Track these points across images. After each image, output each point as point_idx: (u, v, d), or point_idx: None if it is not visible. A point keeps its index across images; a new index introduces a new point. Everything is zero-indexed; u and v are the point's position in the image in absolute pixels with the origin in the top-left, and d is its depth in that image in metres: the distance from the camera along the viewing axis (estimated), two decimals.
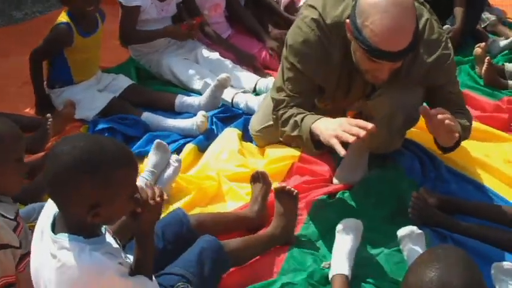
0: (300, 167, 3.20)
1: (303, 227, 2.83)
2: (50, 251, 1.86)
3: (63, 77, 3.61)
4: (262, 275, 2.56)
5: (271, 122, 3.06)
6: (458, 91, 2.99)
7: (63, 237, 1.85)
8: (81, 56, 3.60)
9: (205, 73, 3.97)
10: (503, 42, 4.65)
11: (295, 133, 2.74)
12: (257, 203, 2.83)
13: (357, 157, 3.16)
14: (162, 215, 2.45)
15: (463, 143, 3.05)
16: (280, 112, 2.83)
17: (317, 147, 2.69)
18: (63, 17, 3.54)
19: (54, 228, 1.89)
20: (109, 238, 1.96)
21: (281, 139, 3.02)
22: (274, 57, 4.31)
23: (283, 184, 2.85)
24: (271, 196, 2.87)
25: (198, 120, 3.45)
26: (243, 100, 3.74)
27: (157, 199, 1.99)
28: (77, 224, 1.85)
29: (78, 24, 3.53)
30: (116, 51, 4.25)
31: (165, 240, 2.41)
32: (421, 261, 1.58)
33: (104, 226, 1.96)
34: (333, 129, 2.48)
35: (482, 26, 4.97)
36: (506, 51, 4.61)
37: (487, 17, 5.00)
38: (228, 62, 4.10)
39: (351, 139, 2.40)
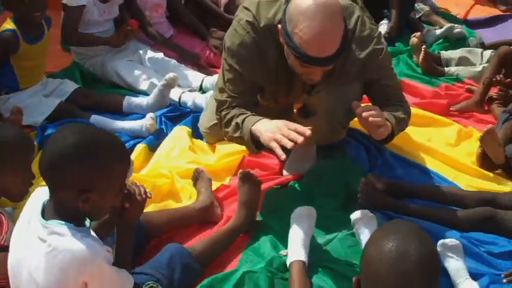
0: (250, 161, 3.27)
1: (259, 216, 2.90)
2: (39, 236, 1.90)
3: (9, 84, 3.58)
4: (223, 264, 2.64)
5: None
6: (395, 84, 3.06)
7: (54, 223, 1.89)
8: (27, 63, 3.58)
9: (151, 73, 3.99)
10: (437, 32, 4.83)
11: (236, 134, 2.79)
12: (205, 194, 2.94)
13: (305, 148, 3.24)
14: None
15: (407, 130, 3.18)
16: (223, 113, 2.88)
17: (258, 147, 2.74)
18: (8, 24, 3.49)
19: (44, 216, 1.93)
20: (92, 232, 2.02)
21: (225, 139, 3.08)
22: (217, 55, 4.36)
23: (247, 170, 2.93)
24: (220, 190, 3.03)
25: (146, 123, 3.48)
26: (190, 98, 3.78)
27: (143, 195, 2.14)
28: (67, 212, 1.91)
29: (24, 30, 3.50)
30: (59, 55, 4.24)
31: None
32: (378, 235, 1.65)
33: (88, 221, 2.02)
34: (272, 131, 2.54)
35: (417, 17, 5.13)
36: (441, 40, 4.80)
37: (421, 7, 5.18)
38: (173, 62, 4.13)
39: (289, 145, 2.46)
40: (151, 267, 2.38)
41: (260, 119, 2.69)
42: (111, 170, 1.93)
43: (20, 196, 2.35)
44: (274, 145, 2.49)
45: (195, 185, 3.07)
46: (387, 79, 2.98)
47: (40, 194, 2.04)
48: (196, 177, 3.07)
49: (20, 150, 2.29)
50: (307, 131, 2.46)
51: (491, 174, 3.31)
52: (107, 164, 1.91)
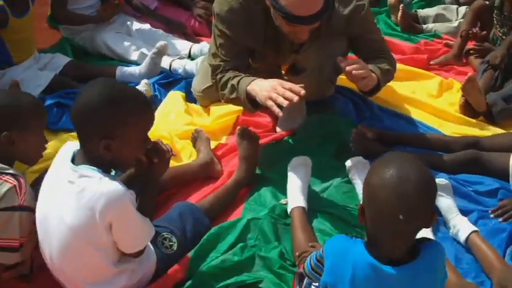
0: (244, 120, 3.40)
1: (258, 170, 3.04)
2: (69, 180, 2.04)
3: (2, 58, 3.65)
4: (228, 215, 2.79)
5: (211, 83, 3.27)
6: (379, 38, 3.21)
7: (83, 167, 2.04)
8: (17, 36, 3.65)
9: (140, 44, 4.10)
10: None
11: (233, 95, 2.92)
12: (202, 156, 3.08)
13: (296, 104, 3.37)
14: None
15: (391, 84, 3.37)
16: (218, 76, 3.00)
17: (254, 106, 2.88)
18: None
19: (74, 163, 2.08)
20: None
21: (222, 101, 3.20)
22: (202, 23, 4.48)
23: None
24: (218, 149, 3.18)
25: (142, 89, 3.58)
26: (181, 65, 3.90)
27: (170, 154, 2.30)
28: (95, 159, 2.06)
29: (11, 6, 3.58)
30: (47, 32, 4.33)
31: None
32: (378, 165, 1.80)
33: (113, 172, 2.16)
34: (267, 90, 2.68)
35: None
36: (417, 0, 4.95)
37: None
38: (160, 32, 4.23)
39: (284, 103, 2.60)
40: (165, 221, 2.53)
41: (254, 79, 2.82)
42: (132, 120, 2.06)
43: (35, 159, 2.48)
44: (270, 103, 2.64)
45: (194, 145, 3.21)
46: (371, 33, 3.12)
47: (69, 146, 2.18)
48: (195, 137, 3.21)
49: (35, 115, 2.40)
50: (302, 90, 2.61)
51: (473, 121, 3.51)
52: (128, 114, 2.04)
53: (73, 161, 2.11)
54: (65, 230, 2.07)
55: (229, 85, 2.94)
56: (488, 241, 2.62)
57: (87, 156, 2.08)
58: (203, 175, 3.01)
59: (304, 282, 2.20)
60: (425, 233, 2.50)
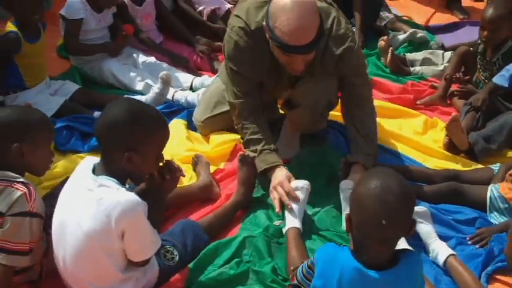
0: (242, 148, 3.58)
1: (255, 193, 3.28)
2: (88, 188, 2.26)
3: (15, 82, 3.88)
4: (225, 233, 3.02)
5: (213, 113, 3.62)
6: (364, 83, 3.44)
7: (103, 177, 2.27)
8: (29, 61, 3.89)
9: (145, 75, 4.33)
10: (401, 36, 5.29)
11: (249, 149, 3.27)
12: (204, 175, 3.33)
13: (291, 136, 3.65)
14: None
15: (379, 120, 3.72)
16: (240, 124, 3.32)
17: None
18: (10, 27, 3.81)
19: (94, 173, 2.30)
20: None
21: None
22: (204, 58, 4.75)
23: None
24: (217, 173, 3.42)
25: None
26: (183, 96, 4.14)
27: (181, 173, 2.56)
28: (114, 171, 2.29)
29: (23, 32, 3.81)
30: (57, 62, 4.56)
31: None
32: (365, 177, 2.07)
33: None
34: (272, 185, 3.09)
35: (383, 24, 5.57)
36: (406, 44, 5.26)
37: (386, 16, 5.61)
38: (164, 65, 4.47)
39: (277, 208, 3.02)
40: (168, 235, 2.76)
41: (273, 164, 3.17)
42: (154, 136, 2.32)
43: (43, 171, 2.68)
44: (274, 196, 3.06)
45: (194, 168, 3.44)
46: (356, 76, 3.35)
47: (90, 159, 2.42)
48: (196, 161, 3.45)
49: (43, 130, 2.60)
50: (298, 197, 3.00)
51: (456, 157, 3.75)
52: (151, 130, 2.30)
53: (93, 172, 2.33)
54: (81, 235, 2.28)
55: (254, 151, 3.26)
56: (465, 264, 2.83)
57: (107, 168, 2.31)
58: (203, 196, 3.24)
59: None
60: (404, 245, 2.73)
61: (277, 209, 3.03)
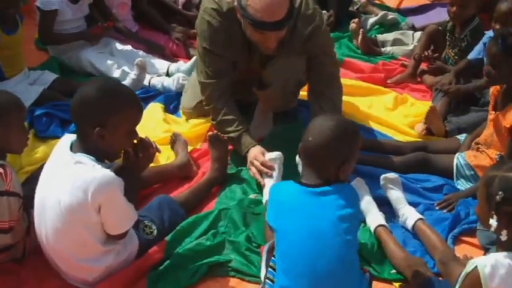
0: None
1: (230, 169, 3.40)
2: (65, 165, 2.38)
3: None
4: (202, 208, 3.14)
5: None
6: (333, 62, 3.57)
7: (80, 155, 2.38)
8: (8, 52, 3.98)
9: (122, 63, 4.41)
10: (373, 19, 5.44)
11: (224, 132, 3.36)
12: (182, 154, 3.43)
13: (264, 115, 3.77)
14: None
15: (351, 99, 3.91)
16: (212, 105, 3.41)
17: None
18: None
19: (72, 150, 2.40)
20: None
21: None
22: (180, 45, 4.86)
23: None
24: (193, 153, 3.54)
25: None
26: (159, 82, 4.24)
27: (154, 150, 2.63)
28: (90, 148, 2.39)
29: (1, 24, 3.90)
30: (35, 53, 4.66)
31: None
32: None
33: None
34: (249, 161, 3.24)
35: (355, 8, 5.71)
36: (377, 26, 5.40)
37: (358, 0, 5.74)
38: (140, 53, 4.57)
39: (260, 180, 3.17)
40: (145, 211, 2.87)
41: (252, 144, 3.31)
42: (123, 112, 2.40)
43: (21, 148, 2.77)
44: (253, 172, 3.21)
45: (172, 147, 3.55)
46: (325, 55, 3.47)
47: (68, 137, 2.53)
48: (174, 140, 3.56)
49: (16, 110, 2.68)
50: (273, 165, 3.17)
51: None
52: (120, 106, 2.38)
53: (71, 149, 2.43)
54: (60, 210, 2.39)
55: (228, 132, 3.37)
56: (433, 227, 2.96)
57: (83, 145, 2.41)
58: (181, 175, 3.35)
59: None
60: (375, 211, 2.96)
61: (260, 181, 3.16)
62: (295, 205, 2.35)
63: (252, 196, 3.18)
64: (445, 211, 3.16)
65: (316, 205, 2.32)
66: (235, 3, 3.16)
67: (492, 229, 2.09)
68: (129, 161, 2.60)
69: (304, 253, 2.28)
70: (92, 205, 2.35)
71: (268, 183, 3.10)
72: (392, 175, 3.19)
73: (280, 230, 2.36)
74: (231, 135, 3.35)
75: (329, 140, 2.33)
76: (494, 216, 2.07)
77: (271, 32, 3.10)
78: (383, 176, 3.18)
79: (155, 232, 2.80)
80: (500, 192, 2.03)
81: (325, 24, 3.45)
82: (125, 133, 2.46)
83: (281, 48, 3.28)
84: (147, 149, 2.61)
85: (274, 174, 3.14)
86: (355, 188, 3.01)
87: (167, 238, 2.83)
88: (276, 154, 3.21)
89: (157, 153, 3.38)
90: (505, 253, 2.07)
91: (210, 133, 3.42)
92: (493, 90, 3.29)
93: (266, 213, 2.59)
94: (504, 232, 2.06)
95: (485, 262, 2.06)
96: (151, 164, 2.76)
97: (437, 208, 3.19)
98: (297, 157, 3.23)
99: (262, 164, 3.16)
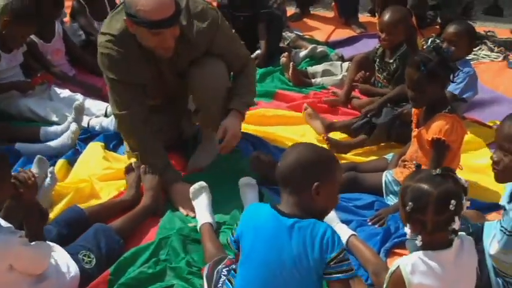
0: None
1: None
2: None
3: None
4: (143, 239, 3.23)
5: None
6: (244, 53, 3.77)
7: None
8: None
9: (61, 107, 4.49)
10: (303, 53, 5.67)
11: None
12: (132, 188, 3.50)
13: (208, 141, 3.89)
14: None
15: (285, 129, 4.13)
16: (133, 138, 3.55)
17: None
18: None
19: None
20: (2, 222, 2.54)
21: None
22: None
23: None
24: None
25: (71, 129, 4.06)
26: (98, 123, 4.34)
27: (32, 179, 2.65)
28: None
29: None
30: None
31: (67, 228, 3.03)
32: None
33: None
34: (179, 204, 3.42)
35: (286, 43, 5.94)
36: (307, 59, 5.64)
37: (288, 35, 5.99)
38: (78, 96, 4.65)
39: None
40: (82, 241, 2.96)
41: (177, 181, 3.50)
42: None
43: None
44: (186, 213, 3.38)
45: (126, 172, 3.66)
46: (236, 47, 3.68)
47: None
48: (129, 170, 3.65)
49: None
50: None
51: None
52: None
53: None
54: None
55: (152, 161, 3.51)
56: (365, 242, 3.11)
57: None
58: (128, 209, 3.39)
59: (214, 279, 2.64)
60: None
61: (191, 215, 3.33)
62: (263, 229, 2.33)
63: (190, 225, 3.29)
64: (377, 226, 3.31)
65: (281, 236, 2.29)
66: (123, 18, 3.32)
67: (408, 236, 2.28)
68: (16, 200, 2.67)
69: (258, 279, 2.32)
70: (3, 268, 2.46)
71: (198, 213, 3.26)
72: None
73: (244, 249, 2.38)
74: (156, 166, 3.49)
75: (297, 160, 2.32)
76: (408, 224, 2.25)
77: (167, 30, 3.25)
78: None
79: (94, 261, 2.89)
80: (410, 203, 2.20)
81: (221, 17, 3.59)
82: (5, 185, 2.52)
83: (190, 50, 3.44)
84: (25, 181, 2.63)
85: (204, 201, 3.29)
86: None
87: (110, 269, 2.90)
88: (199, 185, 3.36)
89: (98, 189, 3.55)
90: (423, 252, 2.24)
91: (142, 166, 3.53)
92: (414, 109, 3.49)
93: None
94: (419, 238, 2.23)
95: (406, 261, 2.23)
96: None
97: (369, 224, 3.34)
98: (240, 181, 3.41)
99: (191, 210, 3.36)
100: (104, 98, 4.73)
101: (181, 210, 3.39)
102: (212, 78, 3.55)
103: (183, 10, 3.37)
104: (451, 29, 4.39)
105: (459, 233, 2.27)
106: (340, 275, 2.25)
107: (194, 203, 3.34)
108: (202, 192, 3.35)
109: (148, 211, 3.36)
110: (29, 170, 2.73)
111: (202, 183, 3.38)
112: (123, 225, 3.19)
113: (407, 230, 2.26)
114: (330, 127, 4.26)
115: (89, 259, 2.86)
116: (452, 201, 2.16)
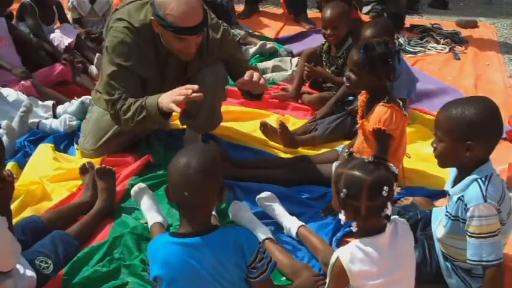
0: (108, 160, 3.83)
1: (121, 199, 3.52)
2: None
3: None
4: (97, 238, 3.21)
5: (105, 138, 3.81)
6: (245, 58, 4.00)
7: None
8: None
9: (9, 110, 4.39)
10: (253, 49, 5.70)
11: (141, 115, 3.38)
12: (89, 189, 3.48)
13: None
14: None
15: (236, 125, 4.15)
16: (118, 106, 3.46)
17: (165, 117, 3.43)
18: None
19: None
20: None
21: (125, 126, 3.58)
22: (67, 68, 5.07)
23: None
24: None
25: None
26: (47, 124, 4.29)
27: (10, 177, 2.70)
28: None
29: None
30: None
31: (24, 235, 2.99)
32: (177, 154, 2.35)
33: None
34: (171, 95, 3.22)
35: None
36: (257, 55, 5.68)
37: (238, 32, 6.00)
38: (25, 97, 4.55)
39: (182, 98, 3.15)
40: (39, 247, 2.95)
41: (160, 94, 3.32)
42: None
43: None
44: (172, 105, 3.18)
45: (82, 173, 3.62)
46: (239, 53, 3.85)
47: None
48: (84, 170, 3.61)
49: None
50: (195, 86, 3.18)
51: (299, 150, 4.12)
52: None
53: None
54: None
55: (133, 107, 3.40)
56: (318, 233, 3.16)
57: None
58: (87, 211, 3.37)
59: None
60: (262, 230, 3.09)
61: (177, 110, 3.26)
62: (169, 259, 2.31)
63: (142, 221, 3.29)
64: (330, 217, 3.34)
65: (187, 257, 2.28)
66: (148, 19, 3.38)
67: (342, 222, 2.34)
68: None
69: None
70: None
71: (148, 214, 3.25)
72: (266, 193, 3.37)
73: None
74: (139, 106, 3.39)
75: (199, 187, 2.26)
76: (342, 211, 2.31)
77: (192, 37, 3.32)
78: (257, 198, 3.37)
79: (51, 267, 2.87)
80: (344, 190, 2.26)
81: (228, 28, 3.75)
82: None
83: (203, 57, 3.53)
84: (4, 179, 2.68)
85: (148, 202, 3.31)
86: (237, 209, 3.25)
87: (64, 270, 2.89)
88: (137, 187, 3.37)
89: (50, 190, 3.53)
90: (359, 239, 2.32)
91: (97, 167, 3.52)
92: (360, 100, 3.55)
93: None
94: (354, 224, 2.30)
95: (344, 251, 2.32)
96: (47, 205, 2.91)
97: (322, 215, 3.38)
98: None
99: (186, 87, 3.21)
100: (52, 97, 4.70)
101: (177, 97, 3.19)
102: (213, 79, 3.62)
103: None
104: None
105: (392, 217, 2.34)
106: None
107: (140, 206, 3.34)
108: (143, 193, 3.35)
109: (103, 213, 3.34)
110: (7, 169, 2.77)
111: (140, 184, 3.39)
112: (80, 230, 3.18)
113: (341, 216, 2.32)
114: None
115: (46, 265, 2.85)
116: (385, 188, 2.22)
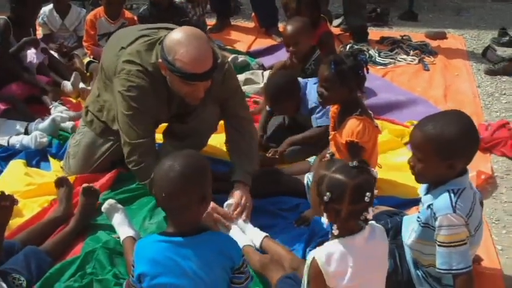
0: (82, 177, 3.83)
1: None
2: None
3: None
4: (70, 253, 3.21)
5: (95, 165, 3.84)
6: (245, 105, 3.82)
7: None
8: None
9: None
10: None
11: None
12: (63, 203, 3.47)
13: None
14: None
15: (210, 140, 4.03)
16: (132, 158, 3.45)
17: None
18: None
19: None
20: None
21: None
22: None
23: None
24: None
25: None
26: (18, 141, 4.28)
27: (8, 202, 2.75)
28: None
29: None
30: None
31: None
32: (164, 159, 2.38)
33: None
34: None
35: None
36: None
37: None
38: None
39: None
40: (11, 263, 2.92)
41: None
42: None
43: None
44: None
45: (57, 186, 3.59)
46: (236, 98, 3.71)
47: None
48: (60, 184, 3.58)
49: None
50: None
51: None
52: None
53: None
54: None
55: (142, 176, 3.46)
56: (291, 245, 3.18)
57: None
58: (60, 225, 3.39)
59: None
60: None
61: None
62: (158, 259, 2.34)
63: (115, 236, 3.28)
64: (302, 227, 3.36)
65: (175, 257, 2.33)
66: (159, 60, 3.27)
67: (325, 225, 2.36)
68: None
69: None
70: None
71: (119, 229, 3.25)
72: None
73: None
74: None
75: (177, 189, 2.29)
76: (324, 214, 2.32)
77: (201, 83, 3.24)
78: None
79: (24, 283, 2.84)
80: (327, 193, 2.28)
81: (230, 67, 3.67)
82: None
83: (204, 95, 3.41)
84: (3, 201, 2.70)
85: (120, 217, 3.28)
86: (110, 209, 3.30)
87: (36, 286, 2.88)
88: (107, 204, 3.33)
89: (21, 206, 3.51)
90: (335, 240, 2.34)
91: (85, 185, 3.51)
92: (331, 112, 3.59)
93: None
94: (335, 226, 2.32)
95: (320, 251, 2.33)
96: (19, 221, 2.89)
97: (295, 226, 3.40)
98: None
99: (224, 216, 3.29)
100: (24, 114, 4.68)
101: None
102: (208, 115, 3.63)
103: None
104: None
105: (370, 221, 2.36)
106: None
107: (112, 222, 3.31)
108: (114, 209, 3.33)
109: (76, 231, 3.34)
110: (9, 194, 2.81)
111: (110, 201, 3.36)
112: (53, 247, 3.17)
113: (323, 219, 2.33)
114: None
115: (19, 282, 2.82)
116: (368, 194, 2.25)
